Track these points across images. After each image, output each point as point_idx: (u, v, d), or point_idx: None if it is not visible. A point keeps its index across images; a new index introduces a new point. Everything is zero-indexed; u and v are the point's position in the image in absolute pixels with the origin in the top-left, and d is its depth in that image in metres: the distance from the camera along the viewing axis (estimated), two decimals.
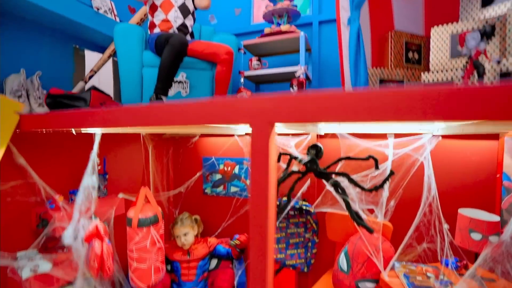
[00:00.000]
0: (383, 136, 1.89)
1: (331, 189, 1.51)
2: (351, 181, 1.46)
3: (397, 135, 1.85)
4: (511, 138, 1.61)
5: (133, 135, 2.21)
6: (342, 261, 1.73)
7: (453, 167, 1.78)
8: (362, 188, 1.42)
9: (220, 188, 2.39)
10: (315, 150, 1.58)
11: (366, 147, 1.85)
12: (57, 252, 1.51)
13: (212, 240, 2.10)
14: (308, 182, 2.06)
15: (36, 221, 1.51)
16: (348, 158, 1.56)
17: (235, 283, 1.87)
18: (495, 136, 1.68)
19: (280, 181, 1.62)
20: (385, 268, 1.57)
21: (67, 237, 1.04)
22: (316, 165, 1.54)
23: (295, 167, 1.64)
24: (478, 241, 1.41)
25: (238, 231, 2.33)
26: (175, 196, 2.57)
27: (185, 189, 2.49)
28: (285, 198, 2.10)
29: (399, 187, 1.80)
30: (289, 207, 1.61)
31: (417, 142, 1.78)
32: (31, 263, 1.42)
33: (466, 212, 1.50)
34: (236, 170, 2.32)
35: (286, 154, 1.71)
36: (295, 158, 1.62)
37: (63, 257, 1.51)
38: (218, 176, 2.40)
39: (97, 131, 0.95)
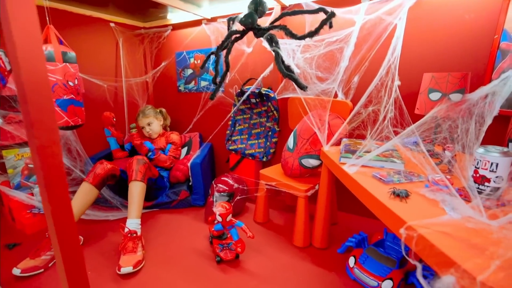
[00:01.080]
0: (357, 2, 1.55)
1: (266, 44, 1.31)
2: (287, 32, 1.23)
3: None
4: None
5: (101, 23, 2.14)
6: (290, 140, 1.59)
7: (440, 29, 1.42)
8: (295, 36, 1.20)
9: (192, 84, 2.31)
10: (254, 5, 1.35)
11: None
12: (8, 110, 1.62)
13: (172, 136, 2.09)
14: (271, 66, 1.85)
15: None
16: (293, 12, 1.31)
17: (189, 164, 1.87)
18: None
19: (219, 48, 1.45)
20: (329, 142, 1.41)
21: None
22: (253, 20, 1.32)
23: (234, 27, 1.44)
24: (435, 101, 1.15)
25: (208, 124, 2.29)
26: (154, 96, 2.57)
27: (152, 80, 2.48)
28: (248, 86, 1.95)
29: (365, 60, 1.51)
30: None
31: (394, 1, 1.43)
32: None
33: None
34: None
35: (232, 19, 1.50)
36: (234, 19, 1.41)
37: (15, 116, 1.62)
38: (189, 71, 2.29)
39: None
